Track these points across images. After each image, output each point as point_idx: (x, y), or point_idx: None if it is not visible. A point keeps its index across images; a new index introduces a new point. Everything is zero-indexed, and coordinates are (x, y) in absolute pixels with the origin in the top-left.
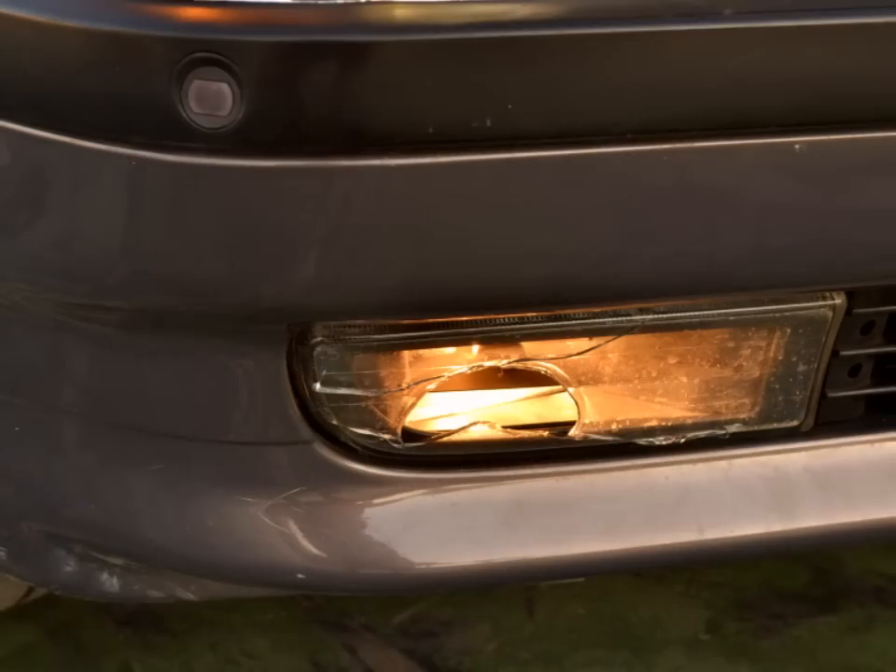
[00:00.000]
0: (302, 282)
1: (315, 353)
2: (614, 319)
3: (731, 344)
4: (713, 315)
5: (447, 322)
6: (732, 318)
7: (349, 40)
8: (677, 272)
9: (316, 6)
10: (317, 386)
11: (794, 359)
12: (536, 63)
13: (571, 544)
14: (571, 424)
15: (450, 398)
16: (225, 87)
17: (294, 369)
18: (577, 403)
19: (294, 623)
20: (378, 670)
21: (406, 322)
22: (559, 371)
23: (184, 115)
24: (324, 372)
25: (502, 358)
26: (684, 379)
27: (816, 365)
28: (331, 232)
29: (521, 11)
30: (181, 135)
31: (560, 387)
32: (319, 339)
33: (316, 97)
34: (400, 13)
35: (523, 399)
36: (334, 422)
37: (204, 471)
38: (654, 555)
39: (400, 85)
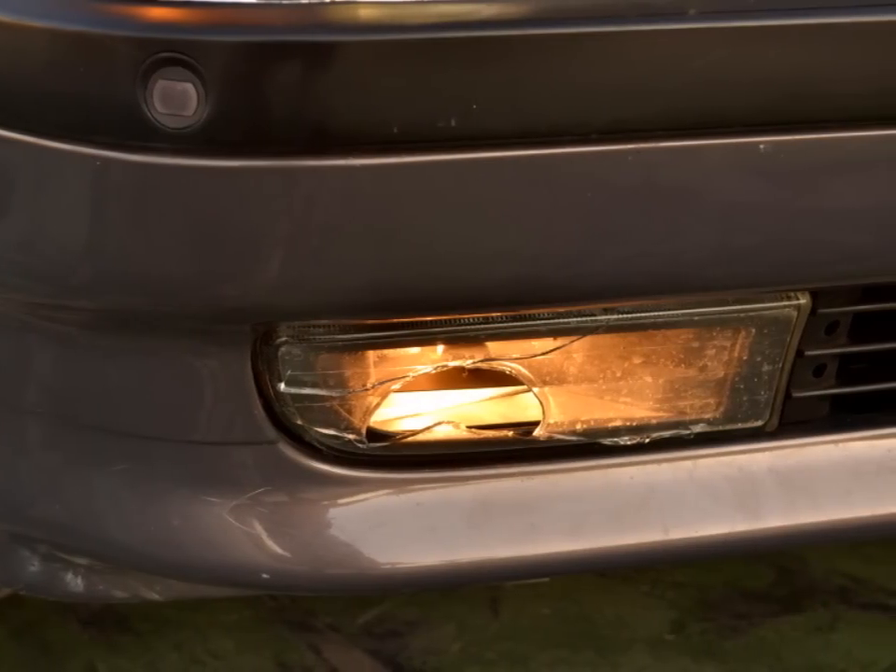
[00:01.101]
0: (267, 282)
1: (279, 353)
2: (579, 319)
3: (695, 344)
4: (678, 316)
5: (412, 322)
6: (696, 318)
7: (313, 40)
8: (641, 272)
9: (281, 5)
10: (282, 386)
11: (759, 359)
12: (500, 64)
13: (536, 544)
14: (536, 424)
15: (415, 398)
16: (190, 87)
17: (259, 368)
18: (541, 403)
19: (259, 623)
20: (343, 670)
21: (371, 322)
22: (524, 370)
23: (148, 115)
24: (288, 372)
25: (467, 358)
26: (649, 379)
27: (780, 365)
28: (296, 233)
29: (485, 11)
30: (146, 135)
31: (525, 387)
32: (284, 339)
33: (281, 97)
34: (365, 13)
35: (487, 399)
36: (299, 422)
37: (169, 471)
38: (619, 555)
39: (365, 85)
